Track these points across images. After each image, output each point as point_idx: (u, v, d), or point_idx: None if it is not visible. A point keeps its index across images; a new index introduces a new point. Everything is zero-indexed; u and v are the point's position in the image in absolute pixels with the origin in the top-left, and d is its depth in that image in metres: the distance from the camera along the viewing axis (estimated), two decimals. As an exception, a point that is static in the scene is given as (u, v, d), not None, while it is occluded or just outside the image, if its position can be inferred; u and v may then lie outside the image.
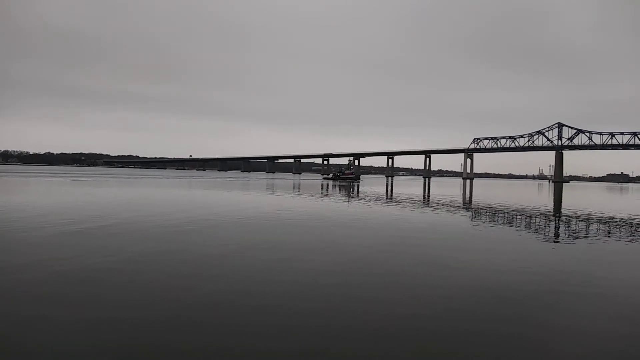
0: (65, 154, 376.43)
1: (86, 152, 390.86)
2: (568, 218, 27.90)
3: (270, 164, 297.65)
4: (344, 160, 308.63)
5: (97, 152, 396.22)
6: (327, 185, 78.25)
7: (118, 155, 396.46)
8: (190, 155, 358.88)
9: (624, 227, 23.34)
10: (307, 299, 8.45)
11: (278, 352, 6.08)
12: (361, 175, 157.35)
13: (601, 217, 28.82)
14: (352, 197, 43.99)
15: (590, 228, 22.37)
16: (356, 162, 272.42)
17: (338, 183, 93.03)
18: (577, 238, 18.56)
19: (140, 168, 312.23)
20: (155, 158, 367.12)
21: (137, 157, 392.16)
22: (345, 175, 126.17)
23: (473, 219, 25.73)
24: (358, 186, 76.44)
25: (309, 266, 11.17)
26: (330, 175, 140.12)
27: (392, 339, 6.59)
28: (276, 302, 8.14)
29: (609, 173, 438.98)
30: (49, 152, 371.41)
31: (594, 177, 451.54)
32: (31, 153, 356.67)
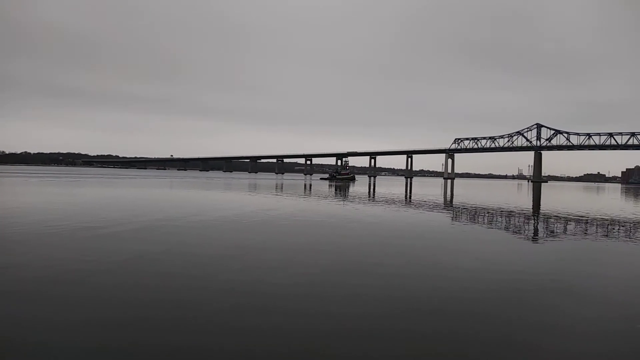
0: (42, 153, 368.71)
1: (64, 152, 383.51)
2: (549, 217, 28.35)
3: (252, 164, 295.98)
4: (327, 160, 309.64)
5: (76, 152, 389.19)
6: (328, 185, 78.53)
7: (97, 155, 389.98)
8: (172, 155, 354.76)
9: (602, 225, 23.79)
10: (307, 299, 8.41)
11: (276, 352, 6.05)
12: (326, 175, 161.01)
13: (580, 216, 29.36)
14: (347, 199, 44.02)
15: (570, 227, 22.74)
16: (339, 162, 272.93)
17: (335, 183, 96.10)
18: (560, 237, 18.85)
19: (120, 168, 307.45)
20: (136, 158, 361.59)
21: (117, 156, 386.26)
22: (341, 175, 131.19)
23: (459, 220, 25.96)
24: (340, 187, 76.59)
25: (307, 267, 11.12)
26: (327, 176, 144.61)
27: (385, 340, 6.58)
28: (273, 302, 8.09)
29: (586, 173, 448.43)
30: (25, 152, 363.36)
31: (572, 177, 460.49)
32: (7, 152, 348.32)
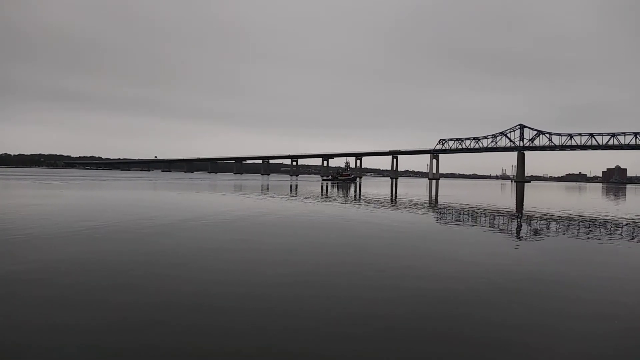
0: (23, 155, 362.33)
1: (45, 153, 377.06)
2: (533, 217, 28.59)
3: (238, 165, 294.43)
4: (313, 161, 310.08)
5: (57, 153, 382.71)
6: (331, 186, 78.66)
7: (79, 157, 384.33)
8: (156, 157, 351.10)
9: (584, 224, 24.05)
10: (296, 298, 8.25)
11: (275, 352, 5.99)
12: (329, 176, 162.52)
13: (563, 215, 29.69)
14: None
15: (553, 226, 22.93)
16: (325, 163, 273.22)
17: (337, 184, 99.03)
18: (543, 236, 18.97)
19: (103, 169, 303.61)
20: (119, 159, 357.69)
21: (100, 158, 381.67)
22: (343, 177, 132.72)
23: (448, 220, 26.03)
24: (323, 187, 76.49)
25: (300, 267, 10.96)
26: (329, 177, 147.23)
27: (381, 340, 6.47)
28: (272, 303, 7.94)
29: (568, 173, 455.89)
30: (5, 153, 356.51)
31: (554, 177, 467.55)
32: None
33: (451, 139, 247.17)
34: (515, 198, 57.86)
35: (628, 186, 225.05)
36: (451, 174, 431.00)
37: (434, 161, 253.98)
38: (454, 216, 27.75)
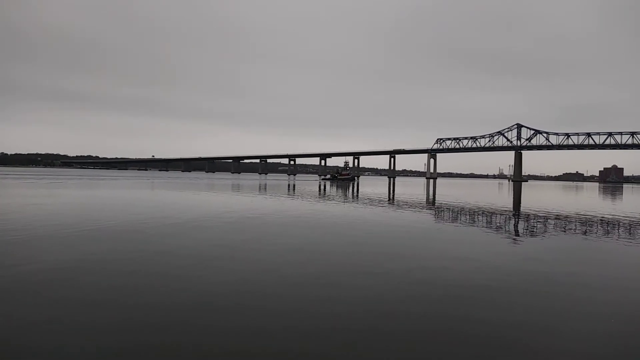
0: (20, 154, 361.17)
1: (42, 153, 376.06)
2: (532, 217, 28.62)
3: (235, 165, 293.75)
4: (310, 160, 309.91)
5: (54, 153, 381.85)
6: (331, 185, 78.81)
7: (76, 156, 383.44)
8: (153, 156, 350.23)
9: (583, 223, 24.11)
10: (304, 299, 8.26)
11: (273, 352, 5.99)
12: (328, 175, 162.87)
13: (562, 214, 29.74)
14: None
15: (550, 226, 22.97)
16: (322, 163, 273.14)
17: (336, 183, 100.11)
18: (540, 236, 18.99)
19: (100, 169, 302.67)
20: (116, 158, 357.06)
21: (97, 157, 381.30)
22: (342, 176, 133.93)
23: (445, 220, 26.04)
24: (315, 187, 76.37)
25: (299, 269, 10.96)
26: (328, 176, 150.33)
27: (374, 340, 6.48)
28: (260, 303, 7.93)
29: (565, 172, 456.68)
30: (2, 153, 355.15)
31: (551, 176, 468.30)
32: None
33: (449, 139, 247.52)
34: (513, 197, 57.93)
35: (625, 185, 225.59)
36: (448, 173, 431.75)
37: (432, 160, 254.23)
38: (452, 215, 27.77)
